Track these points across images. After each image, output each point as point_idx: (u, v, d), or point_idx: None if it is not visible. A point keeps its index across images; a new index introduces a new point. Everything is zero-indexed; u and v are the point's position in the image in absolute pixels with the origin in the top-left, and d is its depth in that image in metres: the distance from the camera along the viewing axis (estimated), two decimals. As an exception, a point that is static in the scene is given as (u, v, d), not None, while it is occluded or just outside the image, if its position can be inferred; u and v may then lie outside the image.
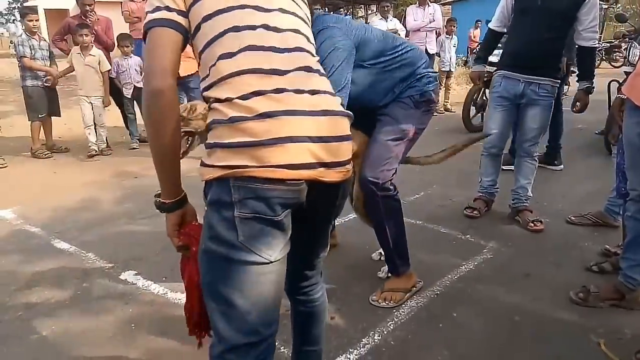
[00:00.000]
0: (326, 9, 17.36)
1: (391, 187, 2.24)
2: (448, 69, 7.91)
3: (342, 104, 1.98)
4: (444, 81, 7.97)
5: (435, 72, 2.35)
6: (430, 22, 7.34)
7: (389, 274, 2.44)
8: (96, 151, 5.22)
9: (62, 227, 3.29)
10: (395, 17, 8.01)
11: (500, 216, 3.41)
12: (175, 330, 2.11)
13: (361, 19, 20.32)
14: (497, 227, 3.24)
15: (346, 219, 3.15)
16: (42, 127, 5.23)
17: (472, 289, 2.45)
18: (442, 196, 3.81)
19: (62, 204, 3.74)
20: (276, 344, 1.98)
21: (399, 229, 2.32)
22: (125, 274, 2.63)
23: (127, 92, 5.44)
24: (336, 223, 3.03)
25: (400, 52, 2.18)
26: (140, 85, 5.43)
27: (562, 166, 4.52)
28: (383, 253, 2.50)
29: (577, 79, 3.15)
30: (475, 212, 3.38)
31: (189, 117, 2.08)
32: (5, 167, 4.78)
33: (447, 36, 7.84)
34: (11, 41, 19.67)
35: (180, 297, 2.39)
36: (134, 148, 5.46)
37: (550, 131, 4.55)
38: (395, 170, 2.26)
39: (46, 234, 3.19)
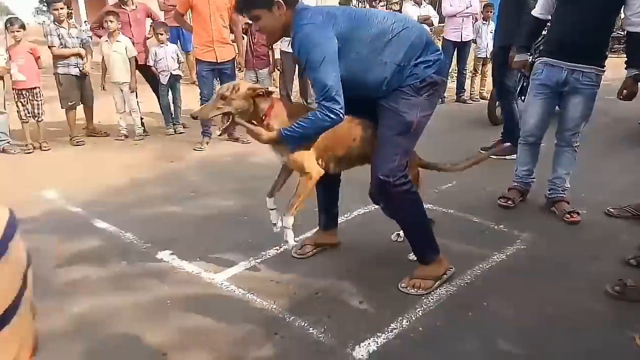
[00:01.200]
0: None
1: (405, 181, 2.18)
2: (484, 56, 7.69)
3: (338, 109, 2.04)
4: (479, 68, 7.78)
5: (439, 54, 2.19)
6: (466, 8, 7.15)
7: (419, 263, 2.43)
8: (125, 136, 5.39)
9: (102, 207, 3.42)
10: (429, 4, 7.83)
11: (536, 207, 3.34)
12: (208, 309, 2.19)
13: (395, 4, 19.99)
14: (531, 218, 3.17)
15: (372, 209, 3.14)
16: (84, 113, 5.40)
17: (504, 279, 2.42)
18: (475, 185, 3.75)
19: (102, 185, 3.88)
20: (304, 325, 2.05)
21: (421, 219, 2.29)
22: (161, 254, 2.72)
23: (164, 80, 5.53)
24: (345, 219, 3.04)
25: (387, 36, 2.08)
26: (175, 72, 5.53)
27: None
28: (402, 236, 2.54)
29: (625, 65, 3.02)
30: (509, 202, 3.31)
31: (231, 97, 2.12)
32: (48, 149, 4.99)
33: (484, 22, 7.61)
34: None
35: (213, 277, 2.46)
36: (169, 134, 5.59)
37: (505, 123, 4.62)
38: (407, 164, 2.22)
39: (87, 214, 3.33)
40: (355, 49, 2.07)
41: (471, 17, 7.37)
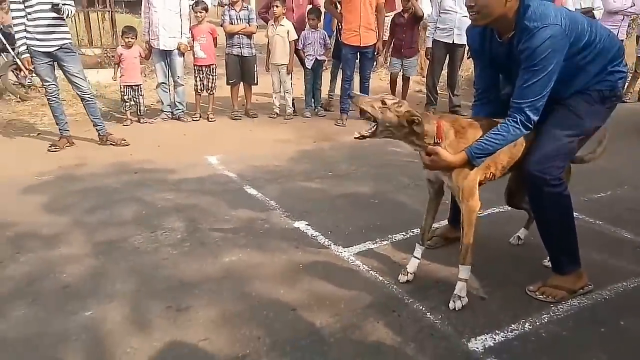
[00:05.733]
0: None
1: (560, 182, 2.07)
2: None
3: (533, 123, 2.01)
4: (640, 68, 6.83)
5: (626, 66, 2.11)
6: (630, 7, 6.35)
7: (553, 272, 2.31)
8: (277, 114, 5.86)
9: (252, 176, 3.86)
10: None
11: None
12: (334, 279, 2.39)
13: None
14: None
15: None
16: (244, 91, 5.99)
17: (650, 302, 2.20)
18: (633, 199, 3.37)
19: (253, 156, 4.35)
20: (422, 308, 2.12)
21: (568, 226, 2.15)
22: (298, 223, 3.00)
23: (308, 64, 5.87)
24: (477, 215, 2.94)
25: (596, 44, 1.99)
26: (320, 57, 5.82)
27: None
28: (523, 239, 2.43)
29: None
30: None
31: (389, 107, 2.05)
32: (213, 120, 5.69)
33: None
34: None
35: (341, 251, 2.66)
36: (306, 116, 5.91)
37: None
38: (564, 168, 2.11)
39: (240, 180, 3.78)
40: (570, 57, 1.98)
41: (630, 16, 6.60)
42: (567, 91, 2.07)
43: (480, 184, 2.17)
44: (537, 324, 2.04)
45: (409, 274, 2.35)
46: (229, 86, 5.85)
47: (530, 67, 1.93)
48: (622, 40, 6.68)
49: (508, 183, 2.42)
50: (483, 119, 2.18)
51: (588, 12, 6.35)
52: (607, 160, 2.43)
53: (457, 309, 2.12)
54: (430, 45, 5.96)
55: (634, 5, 6.42)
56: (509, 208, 2.61)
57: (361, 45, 5.32)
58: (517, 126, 1.99)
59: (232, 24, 5.55)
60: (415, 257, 2.37)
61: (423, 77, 8.24)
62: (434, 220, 2.40)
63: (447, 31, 5.71)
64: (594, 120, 2.10)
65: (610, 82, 2.05)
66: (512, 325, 2.02)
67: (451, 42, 5.74)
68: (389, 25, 6.23)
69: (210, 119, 5.72)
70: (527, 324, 2.04)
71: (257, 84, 5.94)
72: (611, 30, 6.63)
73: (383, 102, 2.05)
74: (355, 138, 2.14)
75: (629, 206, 3.25)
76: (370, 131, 2.08)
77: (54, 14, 4.14)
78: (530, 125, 2.00)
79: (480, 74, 2.35)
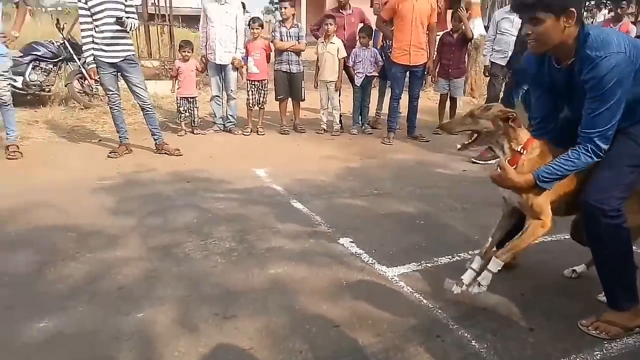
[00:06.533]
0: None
1: (619, 214, 2.00)
2: None
3: (604, 152, 1.98)
4: None
5: None
6: None
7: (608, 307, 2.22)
8: (325, 130, 5.94)
9: (299, 190, 3.92)
10: None
11: None
12: (378, 298, 2.38)
13: (630, 15, 17.40)
14: None
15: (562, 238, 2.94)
16: (292, 106, 6.10)
17: None
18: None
19: (300, 171, 4.42)
20: (467, 335, 2.09)
21: (626, 260, 2.07)
22: (342, 239, 3.03)
23: (358, 81, 5.93)
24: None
25: None
26: (370, 74, 5.86)
27: None
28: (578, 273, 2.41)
29: None
30: None
31: (478, 115, 2.10)
32: (263, 134, 5.84)
33: None
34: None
35: (386, 270, 2.65)
36: (352, 133, 5.95)
37: None
38: (624, 199, 2.03)
39: (287, 194, 3.85)
40: (634, 84, 1.94)
41: None
42: (629, 120, 2.01)
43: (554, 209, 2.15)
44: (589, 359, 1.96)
45: (463, 285, 2.28)
46: (279, 102, 5.98)
47: (597, 96, 1.90)
48: None
49: (575, 217, 2.36)
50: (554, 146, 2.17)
51: None
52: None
53: (472, 293, 2.16)
54: (488, 64, 5.85)
55: None
56: (566, 237, 2.53)
57: (411, 64, 5.34)
58: (588, 154, 1.98)
59: (282, 40, 5.67)
60: (472, 268, 2.33)
61: (473, 97, 8.14)
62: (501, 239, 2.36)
63: (503, 53, 5.62)
64: None
65: None
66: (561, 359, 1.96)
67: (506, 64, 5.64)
68: (437, 44, 6.21)
69: (259, 133, 5.87)
70: (577, 359, 1.96)
71: (304, 100, 6.03)
72: None
73: (472, 114, 2.14)
74: (457, 149, 2.24)
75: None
76: (470, 140, 2.19)
77: (119, 27, 4.40)
78: (601, 154, 1.98)
79: (537, 102, 2.32)
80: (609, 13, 9.03)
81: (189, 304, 2.31)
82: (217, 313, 2.24)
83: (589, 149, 1.97)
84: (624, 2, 8.53)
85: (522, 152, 2.10)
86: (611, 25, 6.56)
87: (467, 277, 2.32)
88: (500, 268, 2.19)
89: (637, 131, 2.03)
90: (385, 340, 2.07)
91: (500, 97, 5.53)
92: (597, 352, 2.01)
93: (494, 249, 2.34)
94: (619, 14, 6.96)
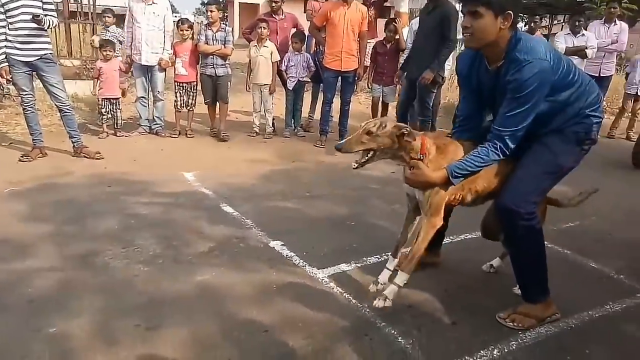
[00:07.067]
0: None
1: (534, 216, 2.14)
2: (635, 92, 7.00)
3: (510, 151, 2.08)
4: (629, 105, 7.09)
5: (603, 112, 2.22)
6: (612, 43, 6.63)
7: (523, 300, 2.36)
8: (257, 133, 5.87)
9: (229, 194, 3.84)
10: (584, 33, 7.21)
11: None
12: (308, 300, 2.38)
13: (544, 28, 18.87)
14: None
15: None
16: (219, 109, 5.89)
17: (614, 331, 2.26)
18: (600, 230, 3.48)
19: (231, 175, 4.33)
20: (394, 332, 2.13)
21: (539, 258, 2.22)
22: (273, 243, 2.99)
23: (290, 85, 5.93)
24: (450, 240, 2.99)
25: (578, 86, 2.09)
26: (303, 79, 5.89)
27: None
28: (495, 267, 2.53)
29: None
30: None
31: (377, 133, 2.11)
32: (192, 137, 5.66)
33: (641, 56, 6.95)
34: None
35: (316, 272, 2.65)
36: (285, 136, 5.93)
37: None
38: (537, 203, 2.18)
39: (216, 197, 3.75)
40: (552, 94, 2.05)
41: (614, 53, 6.83)
42: (544, 128, 2.15)
43: (448, 205, 2.24)
44: (506, 350, 2.07)
45: (379, 284, 2.37)
46: (208, 106, 5.84)
47: (515, 97, 2.01)
48: (610, 75, 6.91)
49: (485, 216, 2.48)
50: (464, 140, 2.27)
51: (580, 51, 6.47)
52: (577, 192, 2.51)
53: (378, 307, 2.15)
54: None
55: (617, 42, 6.68)
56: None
57: (342, 69, 5.43)
58: (496, 152, 2.08)
59: (207, 44, 5.50)
60: (387, 268, 2.42)
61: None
62: (408, 238, 2.44)
63: None
64: (569, 160, 2.18)
65: (586, 125, 2.14)
66: (482, 352, 2.05)
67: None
68: (370, 52, 6.36)
69: (188, 135, 5.69)
70: (495, 350, 2.07)
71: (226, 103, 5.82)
72: (594, 65, 6.70)
73: (369, 133, 2.12)
74: (354, 169, 2.22)
75: (596, 237, 3.36)
76: (366, 158, 2.17)
77: (36, 25, 4.10)
78: (507, 152, 2.09)
79: (463, 101, 2.43)
80: (524, 26, 9.71)
81: (107, 316, 2.17)
82: (139, 324, 2.12)
83: (498, 147, 2.08)
84: (537, 17, 9.24)
85: (422, 158, 2.16)
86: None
87: (383, 276, 2.40)
88: (406, 281, 2.21)
89: (551, 140, 2.16)
90: (314, 342, 2.06)
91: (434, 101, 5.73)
92: (513, 343, 2.12)
93: (403, 248, 2.44)
94: (532, 27, 7.51)
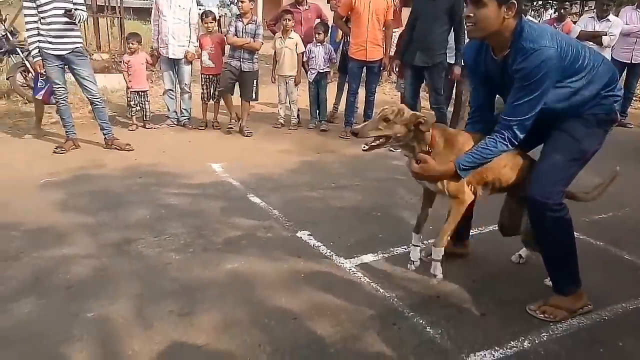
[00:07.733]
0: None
1: (563, 206, 2.10)
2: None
3: (518, 140, 2.06)
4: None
5: (621, 90, 2.17)
6: None
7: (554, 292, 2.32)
8: (282, 124, 5.89)
9: (256, 184, 3.88)
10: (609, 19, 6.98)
11: None
12: (336, 289, 2.40)
13: (574, 15, 18.31)
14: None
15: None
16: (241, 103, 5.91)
17: (648, 325, 2.21)
18: (636, 221, 3.40)
19: (258, 165, 4.38)
20: (422, 322, 2.13)
21: (569, 248, 2.18)
22: (300, 233, 3.02)
23: (310, 77, 5.91)
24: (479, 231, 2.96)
25: (590, 68, 2.04)
26: (323, 70, 5.85)
27: None
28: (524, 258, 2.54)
29: None
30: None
31: (394, 120, 2.12)
32: (218, 128, 5.73)
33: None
34: (231, 22, 22.24)
35: (344, 262, 2.67)
36: (310, 127, 5.95)
37: None
38: (564, 192, 2.14)
39: (243, 188, 3.80)
40: (562, 81, 2.03)
41: None
42: (563, 115, 2.11)
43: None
44: (536, 342, 2.05)
45: (414, 262, 2.48)
46: (219, 95, 5.69)
47: (524, 86, 1.98)
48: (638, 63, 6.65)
49: (500, 218, 2.51)
50: (471, 132, 2.27)
51: (596, 37, 6.27)
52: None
53: (432, 284, 2.35)
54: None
55: None
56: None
57: (367, 59, 5.40)
58: (505, 142, 2.06)
59: (236, 36, 5.36)
60: (414, 245, 2.49)
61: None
62: (428, 215, 2.50)
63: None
64: (592, 143, 2.13)
65: (606, 106, 2.09)
66: (512, 343, 2.04)
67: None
68: (396, 41, 6.29)
69: (215, 127, 5.76)
70: (526, 341, 2.05)
71: (255, 100, 5.75)
72: (626, 51, 6.47)
73: (386, 120, 2.13)
74: (363, 150, 2.25)
75: (630, 228, 3.28)
76: (378, 142, 2.18)
77: (67, 19, 4.21)
78: (515, 142, 2.07)
79: (474, 92, 2.41)
80: (554, 13, 9.46)
81: (142, 302, 2.24)
82: (172, 310, 2.18)
83: (506, 137, 2.06)
84: (567, 3, 8.97)
85: (430, 150, 2.17)
86: (554, 24, 6.86)
87: (414, 254, 2.48)
88: (443, 253, 2.31)
89: (571, 126, 2.11)
90: (343, 330, 2.08)
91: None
92: (544, 334, 2.10)
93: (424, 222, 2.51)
94: (562, 14, 7.30)
